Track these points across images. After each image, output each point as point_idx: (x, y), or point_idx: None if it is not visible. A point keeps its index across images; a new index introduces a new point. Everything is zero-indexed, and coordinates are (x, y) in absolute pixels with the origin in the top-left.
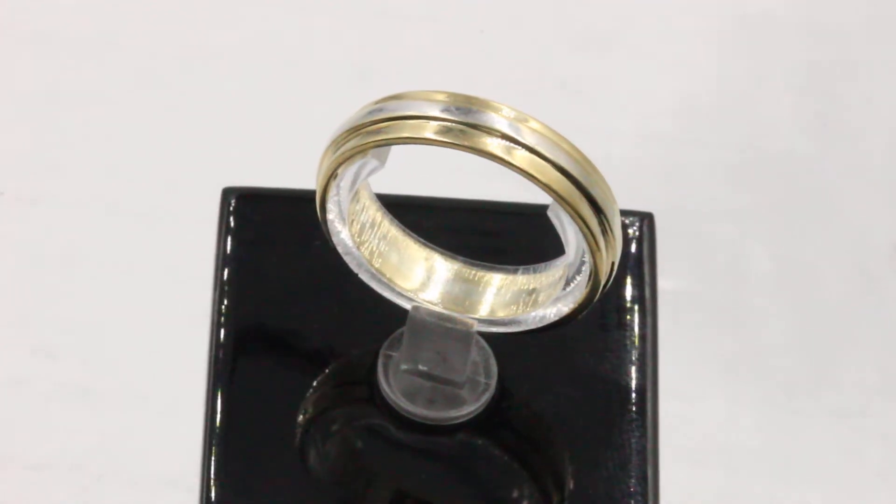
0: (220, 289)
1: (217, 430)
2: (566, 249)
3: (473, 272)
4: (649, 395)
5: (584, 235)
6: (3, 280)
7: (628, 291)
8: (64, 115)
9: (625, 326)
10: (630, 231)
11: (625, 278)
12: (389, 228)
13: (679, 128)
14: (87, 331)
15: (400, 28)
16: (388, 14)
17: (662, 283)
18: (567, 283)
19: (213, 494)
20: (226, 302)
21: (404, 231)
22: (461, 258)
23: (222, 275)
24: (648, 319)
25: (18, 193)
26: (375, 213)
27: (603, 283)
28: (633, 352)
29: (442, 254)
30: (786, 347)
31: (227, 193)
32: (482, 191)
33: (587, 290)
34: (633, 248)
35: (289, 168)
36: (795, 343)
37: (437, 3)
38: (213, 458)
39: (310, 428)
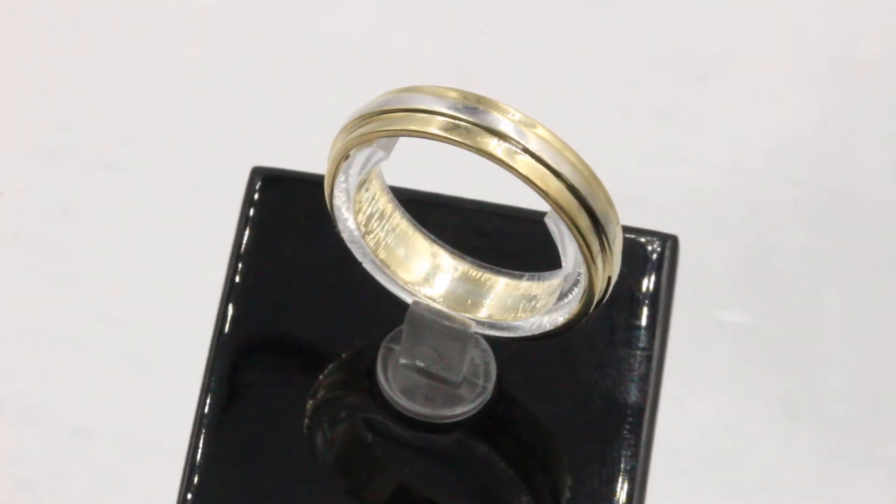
0: (234, 265)
1: (206, 414)
2: (562, 259)
3: (480, 274)
4: (647, 415)
5: (581, 248)
6: (76, 245)
7: (641, 311)
8: (144, 92)
9: (632, 345)
10: (650, 249)
11: (639, 297)
12: (400, 222)
13: (769, 163)
14: (151, 302)
15: (492, 40)
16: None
17: (731, 316)
18: (564, 294)
19: (196, 473)
20: (237, 279)
21: (415, 226)
22: (470, 259)
23: (238, 250)
24: (657, 341)
25: (98, 160)
26: (386, 204)
27: (597, 297)
28: (637, 371)
29: (451, 252)
30: (847, 394)
31: (256, 173)
32: (510, 195)
33: (581, 303)
34: (652, 268)
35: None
36: (857, 391)
37: (529, 17)
38: (201, 435)
39: (307, 416)
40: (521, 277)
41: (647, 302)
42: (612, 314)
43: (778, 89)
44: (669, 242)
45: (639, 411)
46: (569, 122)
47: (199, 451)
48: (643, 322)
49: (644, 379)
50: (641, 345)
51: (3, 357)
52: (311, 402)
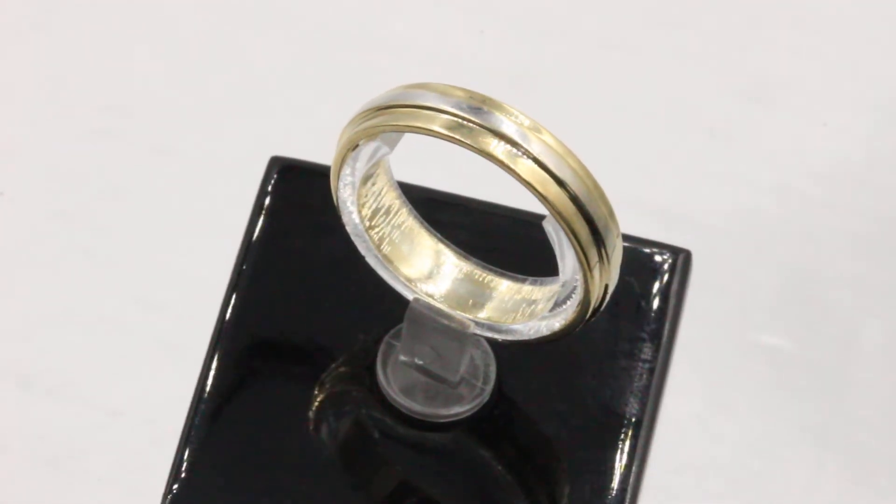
0: (244, 253)
1: (205, 398)
2: (560, 266)
3: (483, 275)
4: (644, 428)
5: (577, 255)
6: (119, 227)
7: (647, 323)
8: (197, 79)
9: (635, 357)
10: (661, 262)
11: (646, 309)
12: (406, 219)
13: (819, 188)
14: (187, 288)
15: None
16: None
17: (769, 339)
18: (561, 301)
19: (185, 457)
20: (244, 267)
21: (421, 223)
22: (475, 260)
23: (249, 238)
24: (661, 354)
25: (148, 144)
26: (394, 200)
27: (594, 305)
28: (638, 383)
29: (456, 252)
30: (879, 425)
31: (274, 163)
32: (521, 199)
33: (577, 310)
34: (661, 281)
35: None
36: (889, 422)
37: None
38: (195, 419)
39: (305, 408)
40: (523, 281)
41: (653, 315)
42: (618, 325)
43: (833, 115)
44: (681, 257)
45: (636, 423)
46: (620, 134)
47: (191, 439)
48: (648, 335)
49: (645, 391)
50: (644, 357)
51: (37, 333)
52: (310, 394)
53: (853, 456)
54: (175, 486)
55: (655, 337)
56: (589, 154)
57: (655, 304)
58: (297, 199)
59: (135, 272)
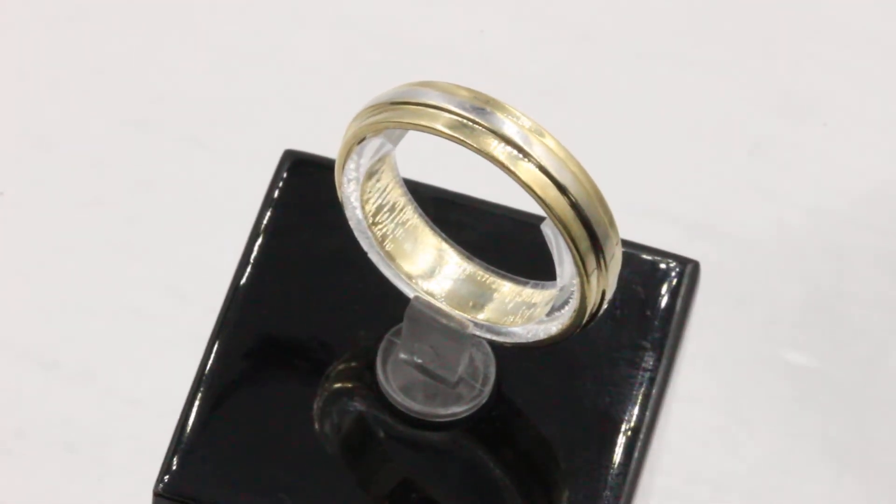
0: (250, 245)
1: (202, 384)
2: (557, 270)
3: (486, 277)
4: (641, 437)
5: (575, 261)
6: (152, 217)
7: (650, 332)
8: (234, 71)
9: (636, 365)
10: (668, 271)
11: (651, 319)
12: (411, 217)
13: (853, 209)
14: (217, 281)
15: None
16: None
17: (795, 356)
18: (559, 306)
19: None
20: (251, 259)
21: (427, 223)
22: (478, 261)
23: (256, 231)
24: (663, 365)
25: (185, 135)
26: (399, 197)
27: (590, 311)
28: (638, 392)
29: (459, 252)
30: None
31: (287, 156)
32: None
33: (574, 315)
34: (668, 290)
35: None
36: None
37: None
38: (190, 410)
39: (303, 402)
40: (525, 284)
41: (658, 325)
42: (621, 332)
43: (871, 136)
44: (689, 267)
45: (633, 432)
46: (651, 144)
47: (189, 425)
48: (651, 343)
49: (644, 400)
50: (646, 366)
51: (66, 319)
52: (309, 389)
53: (873, 476)
54: (166, 477)
55: (659, 346)
56: (619, 162)
57: (660, 313)
58: (307, 193)
59: (164, 262)
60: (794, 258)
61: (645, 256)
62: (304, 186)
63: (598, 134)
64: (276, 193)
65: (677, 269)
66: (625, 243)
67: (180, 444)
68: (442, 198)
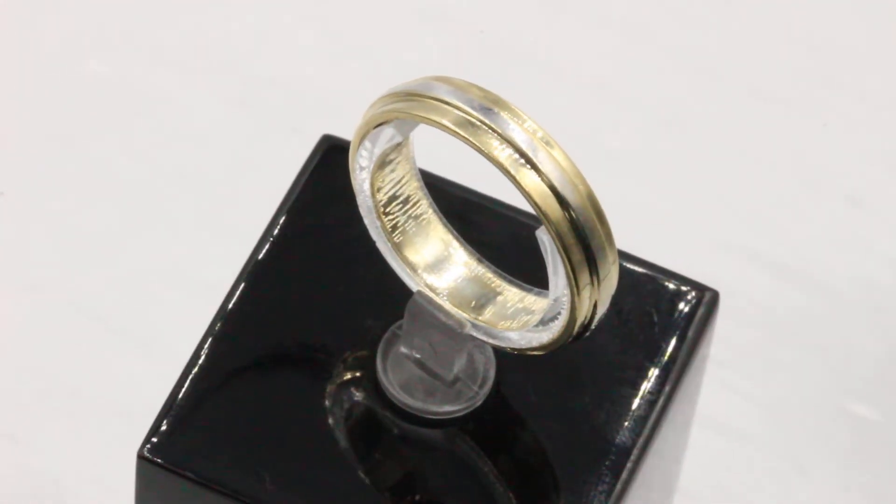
0: (272, 226)
1: (205, 351)
2: (551, 280)
3: (492, 279)
4: (632, 459)
5: (567, 273)
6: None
7: (658, 356)
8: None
9: (637, 386)
10: (685, 298)
11: (660, 343)
12: (425, 211)
13: None
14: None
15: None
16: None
17: (862, 409)
18: (552, 316)
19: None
20: (272, 238)
21: (440, 218)
22: (487, 263)
23: (281, 212)
24: (666, 390)
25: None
26: (414, 190)
27: (580, 322)
28: (635, 413)
29: (469, 252)
30: None
31: (324, 141)
32: None
33: (564, 327)
34: (681, 316)
35: None
36: None
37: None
38: (192, 373)
39: (300, 387)
40: (530, 291)
41: (666, 349)
42: (627, 352)
43: None
44: (707, 297)
45: (624, 452)
46: (757, 183)
47: (182, 393)
48: (655, 368)
49: (640, 423)
50: (648, 388)
51: (137, 290)
52: (309, 374)
53: None
54: (153, 439)
55: (664, 370)
56: (717, 196)
57: (671, 338)
58: (338, 179)
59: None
60: (878, 314)
61: (665, 280)
62: (336, 172)
63: (704, 166)
64: (307, 176)
65: (695, 297)
66: (646, 265)
67: (171, 410)
68: (468, 198)
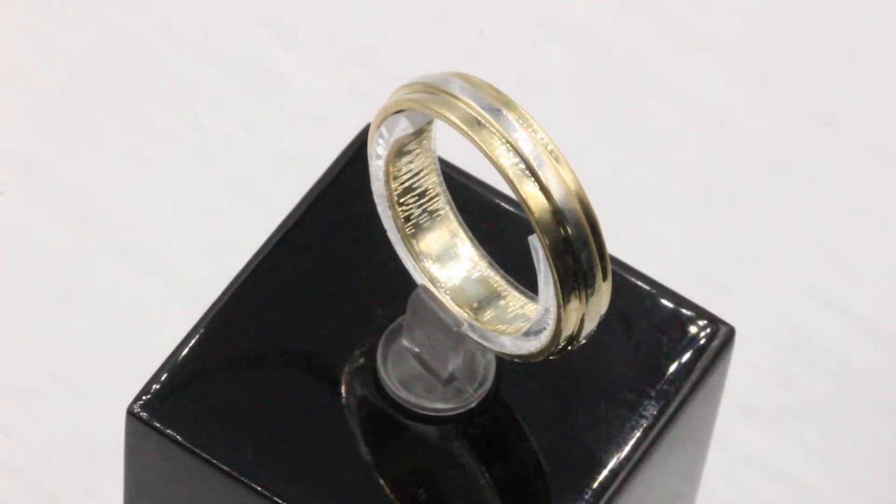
0: (308, 196)
1: (211, 319)
2: (541, 289)
3: (498, 282)
4: (617, 481)
5: (555, 287)
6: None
7: (661, 383)
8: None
9: (636, 411)
10: (698, 330)
11: (666, 371)
12: (442, 206)
13: None
14: None
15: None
16: None
17: None
18: (540, 325)
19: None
20: (297, 220)
21: (456, 216)
22: (496, 266)
23: (312, 194)
24: (664, 418)
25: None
26: (433, 185)
27: (566, 335)
28: (628, 436)
29: (480, 253)
30: None
31: (367, 130)
32: None
33: (549, 338)
34: (689, 347)
35: None
36: None
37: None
38: (194, 338)
39: (299, 369)
40: (533, 298)
41: (671, 378)
42: (630, 375)
43: None
44: (723, 331)
45: (611, 475)
46: (859, 237)
47: (181, 357)
48: (657, 395)
49: (633, 448)
50: (645, 414)
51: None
52: (311, 358)
53: None
54: (144, 397)
55: (664, 398)
56: (820, 248)
57: (677, 367)
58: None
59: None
60: None
61: (682, 309)
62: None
63: (808, 212)
64: (345, 161)
65: (709, 330)
66: (667, 293)
67: (167, 372)
68: (490, 198)
